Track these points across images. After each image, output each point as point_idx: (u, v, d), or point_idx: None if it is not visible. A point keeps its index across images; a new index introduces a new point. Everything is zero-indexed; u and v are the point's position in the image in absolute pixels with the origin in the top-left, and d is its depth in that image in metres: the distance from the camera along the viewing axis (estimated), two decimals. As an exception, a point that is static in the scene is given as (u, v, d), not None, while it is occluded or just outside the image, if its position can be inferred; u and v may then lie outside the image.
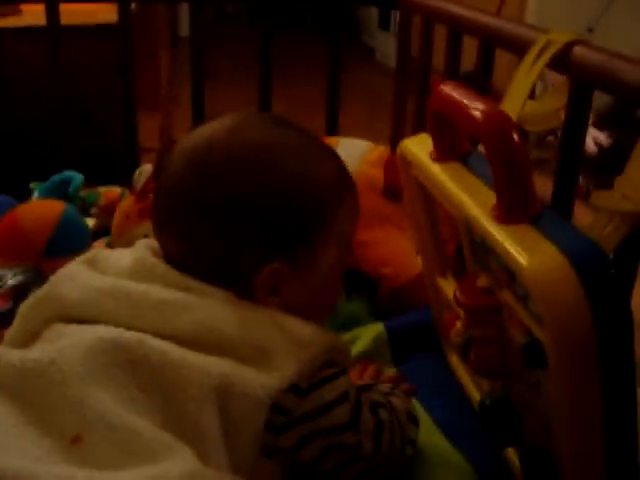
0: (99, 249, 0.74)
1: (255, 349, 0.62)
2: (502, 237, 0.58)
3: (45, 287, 0.68)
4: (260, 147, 0.68)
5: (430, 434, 0.79)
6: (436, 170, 0.72)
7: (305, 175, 0.68)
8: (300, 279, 0.68)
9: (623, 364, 0.55)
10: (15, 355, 0.61)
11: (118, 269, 0.68)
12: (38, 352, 0.61)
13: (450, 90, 0.66)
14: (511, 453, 0.74)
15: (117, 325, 0.62)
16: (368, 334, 0.96)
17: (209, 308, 0.63)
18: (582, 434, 0.58)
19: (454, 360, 0.90)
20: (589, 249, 0.55)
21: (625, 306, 0.54)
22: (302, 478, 0.67)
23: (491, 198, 0.61)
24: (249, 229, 0.66)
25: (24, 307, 0.68)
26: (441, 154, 0.72)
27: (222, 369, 0.60)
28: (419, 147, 0.76)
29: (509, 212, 0.59)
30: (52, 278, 0.69)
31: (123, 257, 0.70)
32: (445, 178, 0.70)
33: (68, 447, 0.57)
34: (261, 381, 0.60)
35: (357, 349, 0.92)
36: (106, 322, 0.63)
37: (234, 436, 0.60)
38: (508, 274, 0.63)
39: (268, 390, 0.60)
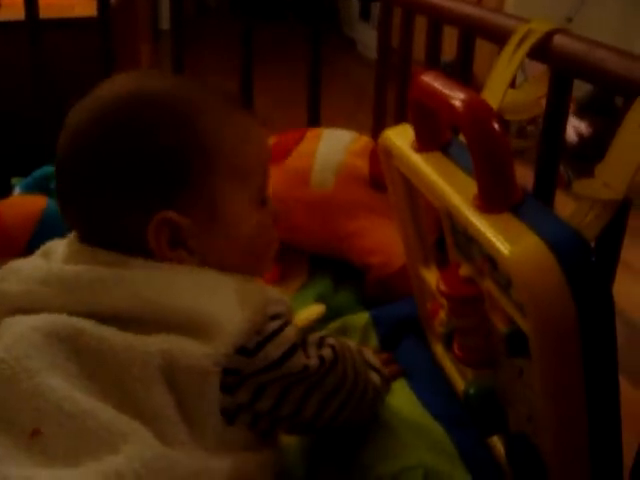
0: (55, 241, 0.73)
1: (193, 316, 0.61)
2: (484, 226, 0.58)
3: None
4: (121, 96, 0.67)
5: (412, 406, 0.80)
6: (417, 160, 0.72)
7: (169, 119, 0.65)
8: (207, 228, 0.66)
9: (605, 352, 0.56)
10: None
11: (57, 255, 0.68)
12: None
13: (431, 80, 0.66)
14: (496, 441, 0.75)
15: (58, 312, 0.61)
16: (355, 324, 0.96)
17: (139, 280, 0.62)
18: (565, 422, 0.59)
19: (439, 349, 0.91)
20: (571, 237, 0.55)
21: (607, 294, 0.55)
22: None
23: (472, 187, 0.61)
24: (120, 182, 0.64)
25: None
26: (422, 144, 0.72)
27: (162, 345, 0.59)
28: (400, 137, 0.76)
29: (490, 201, 0.59)
30: None
31: (62, 243, 0.70)
32: (426, 168, 0.70)
33: (28, 442, 0.56)
34: (204, 351, 0.60)
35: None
36: (47, 310, 0.62)
37: (191, 410, 0.60)
38: (490, 263, 0.63)
39: (214, 358, 0.60)
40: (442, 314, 0.83)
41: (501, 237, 0.56)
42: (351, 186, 1.10)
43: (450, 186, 0.65)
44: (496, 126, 0.57)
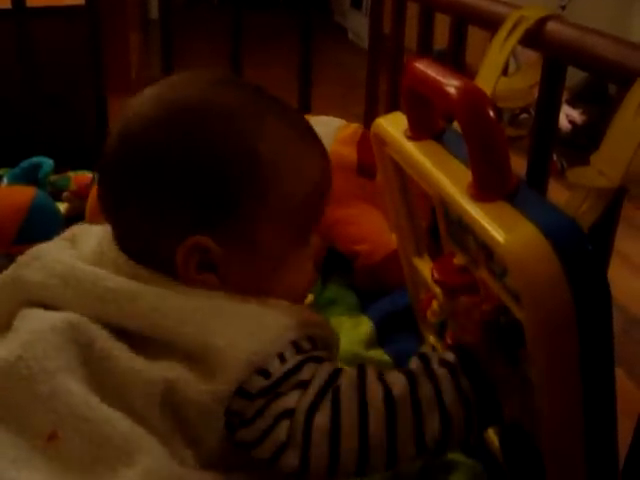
0: (81, 226, 0.71)
1: (198, 348, 0.58)
2: (479, 215, 0.57)
3: (11, 269, 0.66)
4: (182, 107, 0.62)
5: None
6: (411, 148, 0.71)
7: (232, 139, 0.61)
8: (243, 260, 0.62)
9: (602, 340, 0.55)
10: None
11: (86, 249, 0.66)
12: (4, 350, 0.59)
13: (424, 67, 0.65)
14: (490, 432, 0.75)
15: (75, 312, 0.60)
16: (360, 333, 0.95)
17: (153, 299, 0.59)
18: (561, 410, 0.58)
19: (431, 340, 0.90)
20: (567, 225, 0.54)
21: (603, 282, 0.54)
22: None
23: (467, 176, 0.60)
24: (165, 197, 0.61)
25: None
26: (415, 132, 0.71)
27: (166, 374, 0.57)
28: (393, 125, 0.75)
29: (485, 189, 0.58)
30: (19, 258, 0.66)
31: (96, 234, 0.67)
32: (420, 156, 0.69)
33: (44, 446, 0.55)
34: (206, 387, 0.57)
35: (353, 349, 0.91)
36: (67, 308, 0.61)
37: (195, 436, 0.58)
38: (485, 252, 0.63)
39: (214, 396, 0.57)
40: (435, 304, 0.82)
41: (496, 225, 0.55)
42: (338, 174, 1.10)
43: (444, 174, 0.64)
44: (491, 113, 0.57)
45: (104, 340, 0.59)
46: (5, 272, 0.66)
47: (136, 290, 0.60)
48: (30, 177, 1.24)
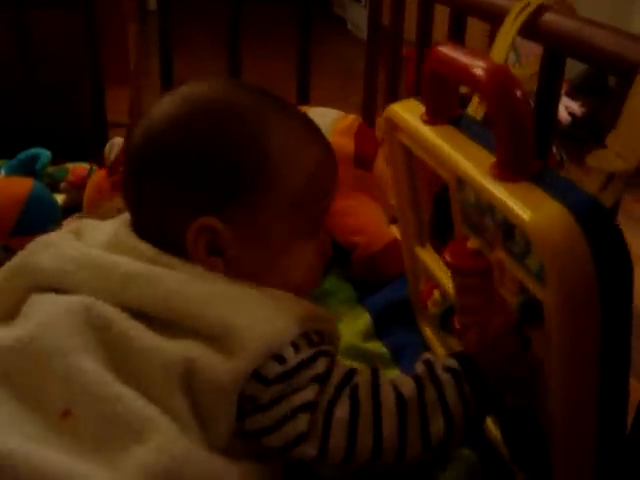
0: (86, 221, 0.73)
1: (219, 328, 0.60)
2: (503, 194, 0.57)
3: (20, 255, 0.67)
4: (201, 107, 0.67)
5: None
6: (428, 132, 0.71)
7: (247, 131, 0.66)
8: (249, 246, 0.66)
9: (622, 320, 0.55)
10: None
11: (96, 241, 0.67)
12: (18, 329, 0.60)
13: (449, 51, 0.66)
14: (488, 421, 0.75)
15: (90, 296, 0.61)
16: (358, 325, 0.95)
17: (173, 282, 0.62)
18: (576, 391, 0.58)
19: (428, 332, 0.90)
20: (593, 205, 0.55)
21: (627, 260, 0.54)
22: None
23: (487, 159, 0.61)
24: (178, 181, 0.65)
25: None
26: (433, 117, 0.72)
27: (186, 353, 0.58)
28: (408, 111, 0.75)
29: (510, 169, 0.58)
30: (28, 246, 0.67)
31: (104, 228, 0.69)
32: (438, 140, 0.69)
33: (58, 422, 0.56)
34: (226, 366, 0.58)
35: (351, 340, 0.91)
36: (79, 292, 0.62)
37: (206, 417, 0.59)
38: (503, 233, 0.62)
39: (234, 375, 0.58)
40: (437, 294, 0.82)
41: (522, 204, 0.55)
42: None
43: (464, 157, 0.64)
44: (519, 93, 0.57)
45: (122, 321, 0.60)
46: (13, 259, 0.67)
47: (158, 274, 0.62)
48: (27, 168, 1.24)
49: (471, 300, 0.71)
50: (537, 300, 0.58)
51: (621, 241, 0.54)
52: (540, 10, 0.78)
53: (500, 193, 0.58)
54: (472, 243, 0.69)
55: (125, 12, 2.09)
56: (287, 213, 0.67)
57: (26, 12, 1.40)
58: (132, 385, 0.58)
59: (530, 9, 0.78)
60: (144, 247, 0.64)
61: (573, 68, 2.18)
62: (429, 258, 0.84)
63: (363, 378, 0.63)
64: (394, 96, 1.30)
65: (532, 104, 0.86)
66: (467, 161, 0.63)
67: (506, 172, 0.59)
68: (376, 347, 0.92)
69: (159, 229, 0.66)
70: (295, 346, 0.62)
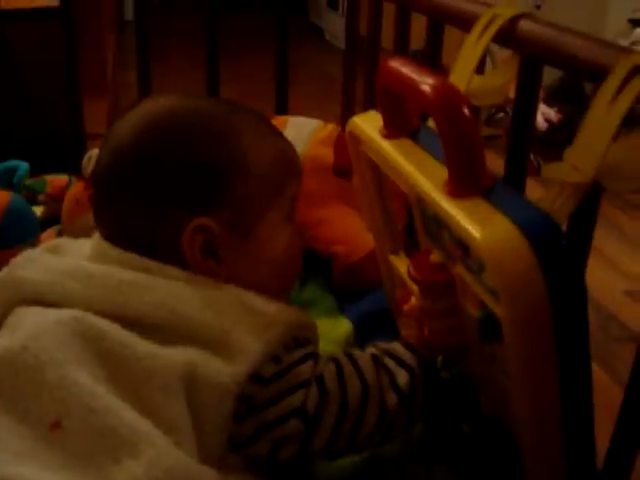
0: (62, 239, 0.73)
1: (217, 334, 0.61)
2: (454, 211, 0.57)
3: (4, 271, 0.67)
4: (166, 111, 0.69)
5: None
6: (386, 147, 0.71)
7: (216, 129, 0.69)
8: (239, 241, 0.68)
9: (578, 335, 0.56)
10: None
11: (79, 253, 0.68)
12: (6, 340, 0.60)
13: (398, 65, 0.65)
14: (466, 426, 0.75)
15: (81, 308, 0.61)
16: (339, 334, 0.96)
17: (168, 288, 0.62)
18: (539, 405, 0.59)
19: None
20: (542, 221, 0.55)
21: (579, 277, 0.54)
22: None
23: (442, 173, 0.60)
24: (160, 187, 0.66)
25: None
26: (391, 130, 0.72)
27: (187, 357, 0.59)
28: (368, 124, 0.76)
29: (461, 186, 0.58)
30: (12, 261, 0.68)
31: (83, 244, 0.70)
32: (396, 154, 0.69)
33: (47, 435, 0.56)
34: (226, 369, 0.60)
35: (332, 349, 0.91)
36: (70, 305, 0.62)
37: (201, 426, 0.59)
38: (462, 249, 0.63)
39: (235, 377, 0.60)
40: (413, 300, 0.82)
41: (472, 221, 0.55)
42: (316, 175, 1.09)
43: (420, 172, 0.64)
44: (466, 110, 0.57)
45: (116, 331, 0.60)
46: None
47: (152, 281, 0.63)
48: (5, 180, 1.23)
49: (437, 308, 0.71)
50: (496, 316, 0.59)
51: (571, 256, 0.54)
52: (516, 19, 0.79)
53: (452, 210, 0.58)
54: (435, 256, 0.70)
55: (103, 23, 2.09)
56: (267, 201, 0.69)
57: (3, 24, 1.39)
58: (127, 396, 0.58)
59: (503, 19, 0.79)
60: (130, 256, 0.65)
61: (549, 75, 2.20)
62: (402, 266, 0.85)
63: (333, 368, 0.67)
64: (372, 105, 1.30)
65: (510, 112, 0.86)
66: (422, 176, 0.63)
67: (458, 188, 0.59)
68: None
69: (147, 239, 0.66)
70: (287, 348, 0.65)
